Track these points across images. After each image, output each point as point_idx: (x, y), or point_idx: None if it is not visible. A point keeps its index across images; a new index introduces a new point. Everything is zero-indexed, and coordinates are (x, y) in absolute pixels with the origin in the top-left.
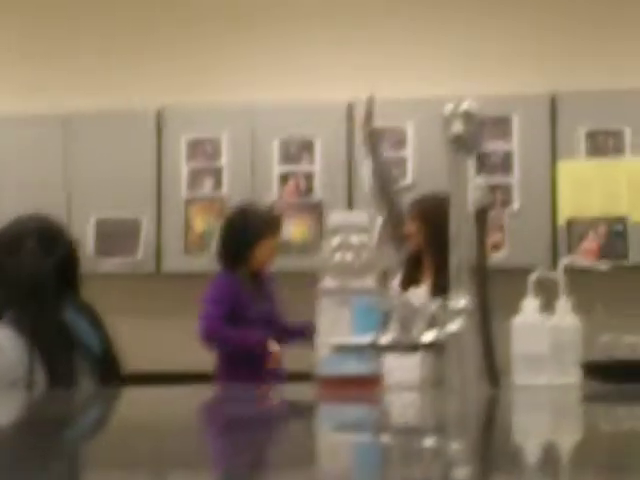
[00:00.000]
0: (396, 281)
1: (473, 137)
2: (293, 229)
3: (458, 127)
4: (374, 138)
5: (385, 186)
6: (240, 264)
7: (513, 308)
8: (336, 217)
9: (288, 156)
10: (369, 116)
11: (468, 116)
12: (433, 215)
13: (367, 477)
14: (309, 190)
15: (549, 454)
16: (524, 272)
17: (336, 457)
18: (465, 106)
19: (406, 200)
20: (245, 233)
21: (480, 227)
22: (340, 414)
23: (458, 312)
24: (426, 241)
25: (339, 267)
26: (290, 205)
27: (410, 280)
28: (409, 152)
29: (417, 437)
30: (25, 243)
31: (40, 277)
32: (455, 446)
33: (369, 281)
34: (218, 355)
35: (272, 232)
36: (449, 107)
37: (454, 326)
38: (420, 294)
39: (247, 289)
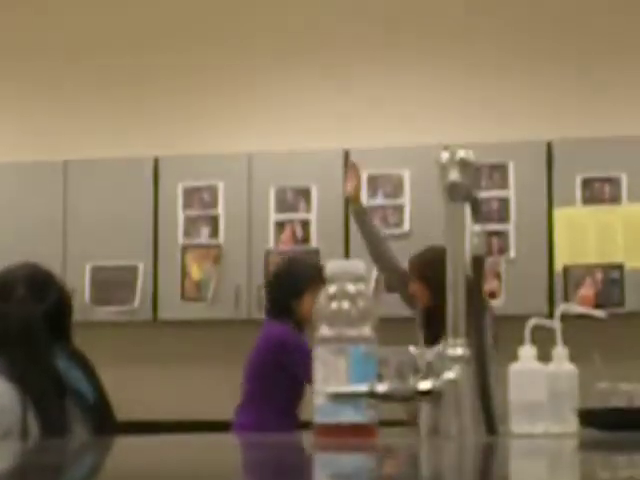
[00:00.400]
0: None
1: (469, 185)
2: None
3: (454, 175)
4: (362, 214)
5: (381, 255)
6: (286, 316)
7: (510, 355)
8: (332, 265)
9: (284, 204)
10: (357, 191)
11: (464, 164)
12: (432, 271)
13: None
14: (305, 238)
15: None
16: (521, 319)
17: None
18: (461, 154)
19: (403, 251)
20: (292, 284)
21: (477, 274)
22: (335, 463)
23: (455, 359)
24: (431, 298)
25: (335, 315)
26: (286, 253)
27: (432, 337)
28: (406, 199)
29: None
30: (15, 291)
31: (30, 324)
32: None
33: (366, 330)
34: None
35: (318, 284)
36: (445, 155)
37: (451, 374)
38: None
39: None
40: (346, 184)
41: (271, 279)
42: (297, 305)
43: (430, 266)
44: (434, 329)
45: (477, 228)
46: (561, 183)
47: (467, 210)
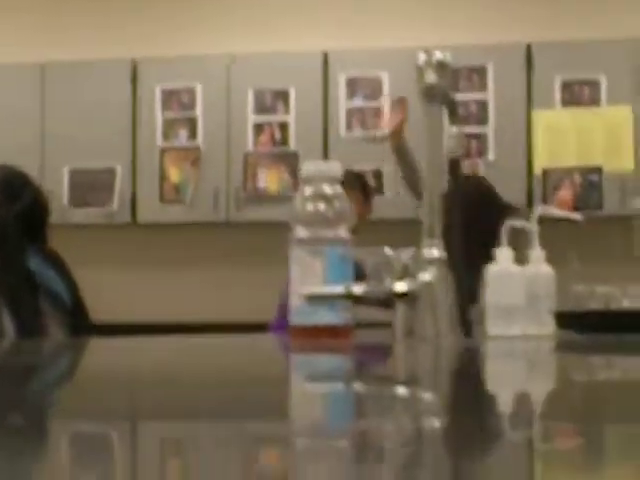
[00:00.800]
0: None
1: (446, 87)
2: (268, 179)
3: (431, 77)
4: (403, 152)
5: (417, 189)
6: None
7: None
8: (308, 167)
9: (263, 106)
10: (400, 127)
11: (441, 66)
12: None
13: (338, 426)
14: (284, 140)
15: (522, 403)
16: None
17: (307, 407)
18: (438, 56)
19: (381, 154)
20: None
21: (453, 176)
22: (311, 363)
23: (431, 261)
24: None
25: (311, 217)
26: (265, 155)
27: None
28: (384, 101)
29: (389, 387)
30: None
31: (3, 225)
32: (427, 395)
33: (342, 231)
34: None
35: (351, 189)
36: (422, 57)
37: (427, 275)
38: None
39: None
40: (389, 118)
41: None
42: None
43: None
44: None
45: (454, 130)
46: (540, 85)
47: (444, 112)
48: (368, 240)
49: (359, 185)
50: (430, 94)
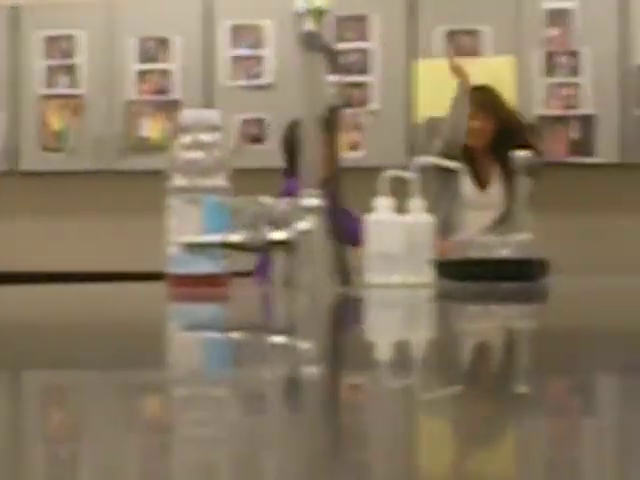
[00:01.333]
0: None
1: (325, 35)
2: (150, 128)
3: (310, 24)
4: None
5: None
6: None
7: (370, 207)
8: (187, 115)
9: (146, 54)
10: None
11: (320, 13)
12: (499, 106)
13: (216, 375)
14: (167, 89)
15: (401, 351)
16: (382, 172)
17: (185, 356)
18: (317, 3)
19: (265, 102)
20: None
21: (332, 125)
22: (189, 313)
23: (309, 210)
24: (495, 134)
25: (189, 165)
26: (147, 103)
27: (480, 175)
28: (268, 51)
29: (267, 335)
30: None
31: None
32: (306, 344)
33: (220, 180)
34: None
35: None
36: (301, 4)
37: (305, 224)
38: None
39: None
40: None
41: (281, 143)
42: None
43: (496, 100)
44: (485, 168)
45: (333, 78)
46: (424, 35)
47: (323, 60)
48: (247, 189)
49: (327, 128)
50: (308, 41)
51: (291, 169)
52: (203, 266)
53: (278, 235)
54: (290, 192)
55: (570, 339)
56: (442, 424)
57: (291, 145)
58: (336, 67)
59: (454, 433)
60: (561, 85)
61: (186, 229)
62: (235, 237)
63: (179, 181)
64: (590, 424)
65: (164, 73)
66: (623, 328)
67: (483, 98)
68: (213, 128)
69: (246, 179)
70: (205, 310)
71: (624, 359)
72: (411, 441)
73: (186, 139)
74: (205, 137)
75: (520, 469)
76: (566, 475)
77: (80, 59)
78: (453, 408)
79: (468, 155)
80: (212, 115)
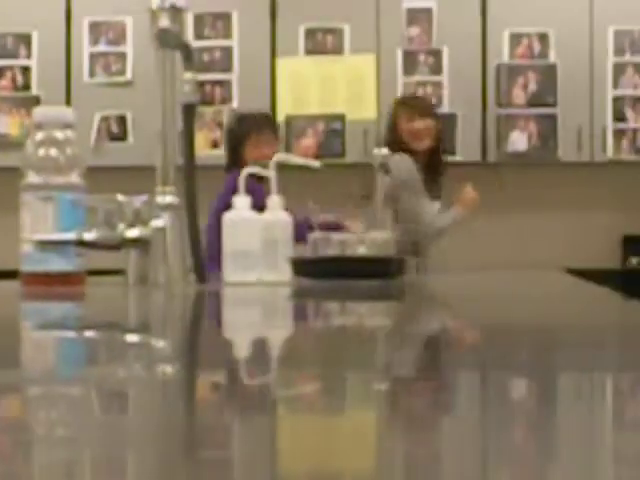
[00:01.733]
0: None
1: (179, 31)
2: (9, 124)
3: (164, 21)
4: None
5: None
6: (238, 166)
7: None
8: (40, 112)
9: (4, 49)
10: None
11: (175, 10)
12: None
13: (70, 374)
14: (26, 85)
15: (256, 349)
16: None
17: (38, 355)
18: (172, 0)
19: (125, 99)
20: (235, 135)
21: (188, 122)
22: (43, 311)
23: (164, 208)
24: (438, 136)
25: (42, 162)
26: (6, 100)
27: (432, 178)
28: (129, 47)
29: (122, 334)
30: None
31: None
32: (161, 343)
33: (74, 177)
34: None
35: (260, 130)
36: (156, 1)
37: (160, 222)
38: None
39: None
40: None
41: (225, 135)
42: (244, 154)
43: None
44: (434, 169)
45: (189, 75)
46: (284, 33)
47: (178, 57)
48: (104, 187)
49: (272, 126)
50: (163, 38)
51: (233, 163)
52: (57, 264)
53: (132, 232)
54: (233, 187)
55: (422, 336)
56: (297, 422)
57: (234, 138)
58: (192, 64)
59: (310, 430)
60: (422, 84)
61: (40, 227)
62: (89, 235)
63: (32, 178)
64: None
65: (24, 69)
66: (477, 325)
67: (423, 103)
68: (66, 125)
69: (107, 177)
70: (59, 309)
71: (473, 356)
72: (268, 439)
73: (39, 136)
74: (58, 134)
75: (377, 465)
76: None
77: None
78: (308, 406)
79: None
80: (65, 112)
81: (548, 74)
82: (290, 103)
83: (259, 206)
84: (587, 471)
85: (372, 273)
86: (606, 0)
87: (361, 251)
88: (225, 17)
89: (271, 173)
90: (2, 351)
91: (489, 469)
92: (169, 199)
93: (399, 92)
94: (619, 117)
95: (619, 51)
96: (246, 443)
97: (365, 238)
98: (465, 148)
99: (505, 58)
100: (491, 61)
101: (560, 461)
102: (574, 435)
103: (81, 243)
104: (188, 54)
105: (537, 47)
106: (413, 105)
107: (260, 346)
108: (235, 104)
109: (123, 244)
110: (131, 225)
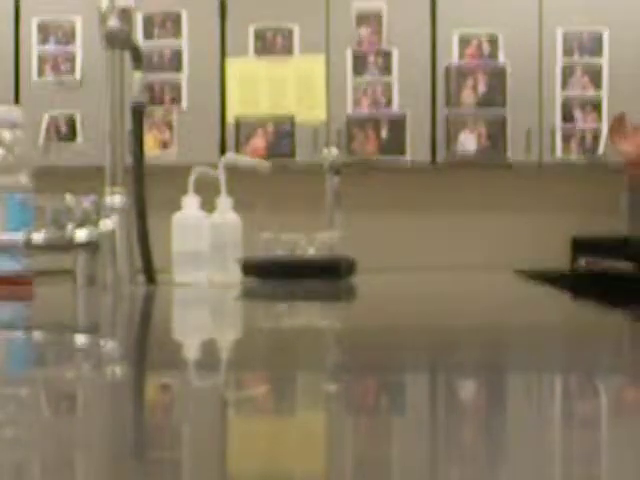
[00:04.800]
0: None
1: (128, 32)
2: None
3: (113, 22)
4: None
5: None
6: None
7: (180, 206)
8: None
9: None
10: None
11: (123, 11)
12: None
13: (18, 375)
14: None
15: (207, 350)
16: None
17: None
18: (121, 2)
19: (75, 100)
20: None
21: (136, 122)
22: None
23: (112, 210)
24: None
25: None
26: None
27: None
28: (77, 47)
29: (71, 335)
30: None
31: None
32: (110, 343)
33: (22, 178)
34: None
35: None
36: (104, 2)
37: (108, 224)
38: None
39: None
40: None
41: None
42: None
43: None
44: None
45: (138, 76)
46: (234, 33)
47: (127, 58)
48: (52, 187)
49: None
50: (112, 39)
51: None
52: (5, 265)
53: (81, 234)
54: None
55: (371, 337)
56: (245, 422)
57: None
58: (141, 64)
59: (261, 431)
60: (371, 84)
61: None
62: (38, 236)
63: None
64: (382, 419)
65: None
66: (424, 326)
67: None
68: (13, 125)
69: (56, 177)
70: (7, 309)
71: (420, 357)
72: (216, 440)
73: None
74: (5, 134)
75: (326, 465)
76: (372, 471)
77: None
78: (257, 407)
79: None
80: (12, 112)
81: (497, 75)
82: (240, 104)
83: None
84: (533, 469)
85: (321, 274)
86: (555, 2)
87: (311, 252)
88: (174, 17)
89: (220, 174)
90: None
91: (437, 469)
92: (118, 199)
93: (349, 93)
94: (568, 118)
95: (568, 52)
96: (195, 443)
97: (314, 238)
98: (414, 149)
99: (455, 59)
100: (441, 62)
101: (506, 460)
102: (519, 434)
103: (29, 245)
104: (137, 54)
105: (486, 48)
106: None
107: (209, 347)
108: (184, 104)
109: (71, 246)
110: (80, 225)
